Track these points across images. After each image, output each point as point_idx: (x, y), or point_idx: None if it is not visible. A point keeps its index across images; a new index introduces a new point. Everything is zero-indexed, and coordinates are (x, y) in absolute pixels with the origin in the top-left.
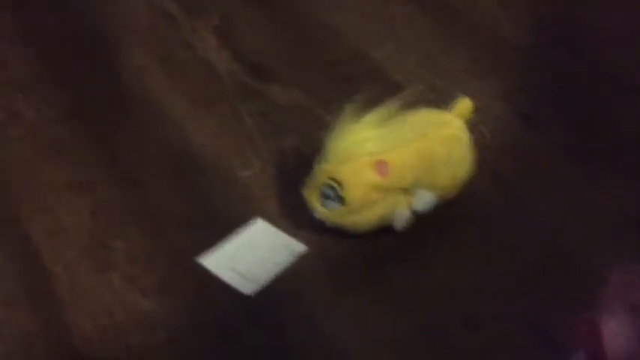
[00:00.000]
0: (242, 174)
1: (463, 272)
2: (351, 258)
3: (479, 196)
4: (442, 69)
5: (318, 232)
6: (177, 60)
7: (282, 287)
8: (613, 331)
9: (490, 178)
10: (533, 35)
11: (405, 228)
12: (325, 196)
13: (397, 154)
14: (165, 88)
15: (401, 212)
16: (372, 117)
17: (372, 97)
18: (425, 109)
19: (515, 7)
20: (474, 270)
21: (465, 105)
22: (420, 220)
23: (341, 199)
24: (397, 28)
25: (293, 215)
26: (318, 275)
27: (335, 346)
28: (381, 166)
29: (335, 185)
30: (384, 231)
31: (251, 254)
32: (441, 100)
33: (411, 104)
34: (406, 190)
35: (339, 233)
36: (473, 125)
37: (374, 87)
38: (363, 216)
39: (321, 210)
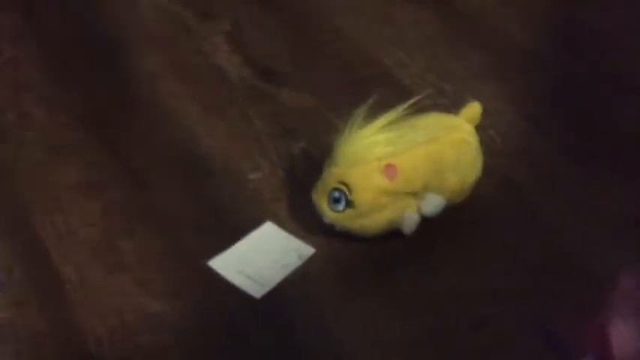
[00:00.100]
0: (251, 177)
1: (471, 276)
2: (360, 261)
3: (488, 200)
4: (452, 73)
5: (327, 235)
6: (188, 65)
7: (291, 290)
8: (622, 334)
9: (499, 182)
10: (544, 38)
11: (414, 232)
12: (334, 200)
13: (406, 158)
14: (176, 93)
15: (410, 216)
16: (381, 121)
17: (382, 101)
18: (434, 113)
19: (525, 10)
20: (483, 273)
21: (474, 109)
22: (428, 224)
23: (350, 203)
24: (407, 33)
25: (302, 218)
26: (327, 278)
27: (343, 348)
28: (390, 170)
29: (344, 189)
30: (392, 235)
31: (260, 257)
32: (450, 104)
33: (421, 108)
34: (415, 194)
35: (347, 236)
36: (482, 129)
37: (384, 91)
38: (371, 220)
39: (330, 213)
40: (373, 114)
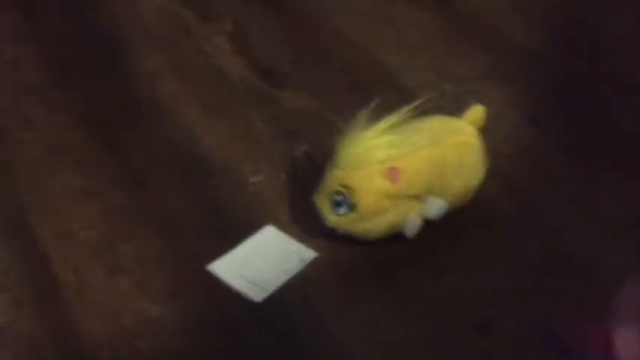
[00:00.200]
0: (253, 179)
1: (474, 278)
2: (362, 265)
3: (490, 202)
4: (452, 73)
5: (329, 238)
6: (189, 65)
7: (292, 294)
8: (626, 339)
9: (502, 184)
10: (544, 38)
11: (417, 235)
12: (336, 203)
13: (409, 161)
14: (177, 93)
15: (412, 219)
16: (384, 124)
17: (384, 104)
18: (437, 116)
19: (528, 11)
20: (485, 275)
21: (477, 112)
22: (431, 226)
23: (352, 206)
24: (410, 35)
25: (304, 221)
26: (329, 282)
27: (344, 349)
28: (392, 173)
29: (346, 192)
30: (394, 238)
31: (261, 261)
32: (453, 107)
33: (424, 111)
34: (418, 197)
35: (349, 240)
36: (485, 132)
37: (385, 93)
38: (374, 223)
39: (332, 217)
40: (376, 116)
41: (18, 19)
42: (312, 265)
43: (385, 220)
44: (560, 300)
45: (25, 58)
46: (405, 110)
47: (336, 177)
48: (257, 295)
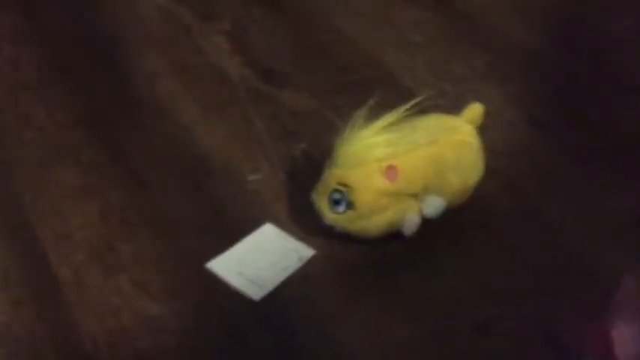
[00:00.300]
0: (252, 178)
1: (473, 277)
2: (360, 263)
3: (489, 201)
4: (452, 73)
5: (327, 237)
6: (188, 65)
7: (291, 292)
8: (624, 337)
9: (500, 183)
10: (544, 38)
11: (415, 234)
12: (334, 201)
13: (407, 160)
14: (177, 93)
15: (411, 218)
16: (382, 122)
17: (383, 103)
18: (435, 114)
19: (528, 11)
20: (484, 275)
21: (475, 110)
22: (429, 225)
23: (350, 205)
24: (408, 34)
25: (302, 220)
26: (327, 280)
27: (343, 349)
28: (390, 171)
29: (344, 190)
30: (393, 236)
31: (259, 259)
32: (451, 105)
33: (422, 109)
34: (416, 196)
35: (347, 238)
36: (483, 130)
37: (385, 92)
38: (372, 221)
39: (331, 215)
40: (374, 115)
41: (18, 19)
42: (311, 263)
43: (383, 218)
44: (560, 300)
45: (24, 58)
46: (403, 108)
47: (334, 175)
48: (256, 293)
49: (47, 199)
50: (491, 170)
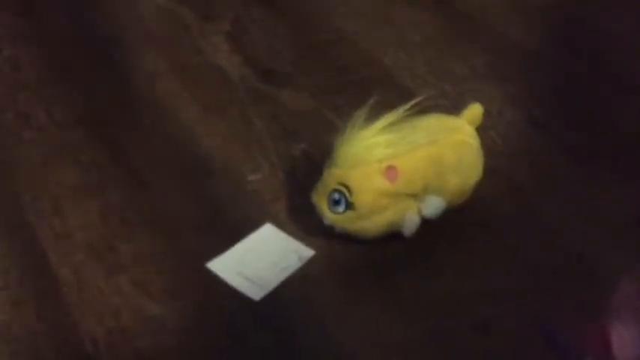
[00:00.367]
0: (251, 178)
1: (473, 277)
2: (360, 263)
3: (489, 201)
4: (452, 73)
5: (327, 237)
6: (188, 65)
7: (290, 292)
8: (623, 339)
9: (500, 183)
10: (544, 38)
11: (415, 234)
12: (334, 202)
13: (407, 160)
14: (176, 93)
15: (411, 218)
16: (382, 122)
17: (383, 102)
18: (435, 114)
19: (527, 12)
20: (484, 275)
21: (475, 111)
22: (429, 226)
23: (350, 205)
24: (408, 33)
25: (302, 220)
26: (327, 280)
27: (343, 349)
28: (390, 171)
29: (344, 190)
30: (393, 237)
31: (259, 259)
32: (451, 105)
33: (422, 110)
34: (416, 196)
35: (347, 238)
36: (483, 131)
37: (384, 92)
38: (372, 221)
39: (330, 215)
40: (374, 115)
41: (18, 19)
42: (311, 264)
43: (383, 218)
44: (560, 300)
45: (24, 58)
46: (403, 108)
47: (333, 175)
48: (255, 293)
49: (47, 199)
50: (491, 170)
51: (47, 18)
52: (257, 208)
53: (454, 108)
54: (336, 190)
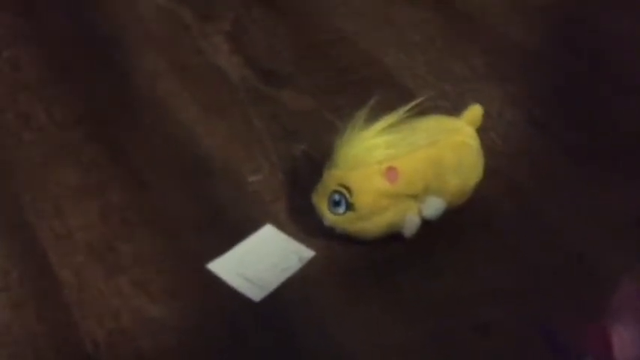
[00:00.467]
0: (252, 178)
1: (473, 278)
2: (360, 264)
3: (489, 202)
4: (452, 73)
5: (327, 238)
6: (188, 65)
7: (291, 293)
8: (623, 339)
9: (501, 184)
10: (544, 38)
11: (415, 235)
12: (334, 203)
13: (407, 161)
14: (176, 93)
15: (411, 219)
16: (382, 123)
17: (383, 103)
18: (435, 115)
19: (527, 12)
20: (484, 275)
21: (475, 112)
22: (429, 227)
23: (350, 206)
24: (408, 34)
25: (302, 221)
26: (327, 281)
27: (344, 350)
28: (391, 172)
29: (344, 191)
30: (393, 238)
31: (259, 260)
32: (451, 106)
33: (422, 111)
34: (416, 197)
35: (347, 239)
36: (483, 131)
37: (385, 93)
38: (372, 222)
39: (331, 216)
40: (374, 116)
41: (18, 19)
42: (311, 265)
43: (383, 219)
44: (560, 300)
45: (24, 58)
46: (403, 109)
47: (334, 176)
48: (256, 294)
49: (47, 199)
50: (491, 171)
51: (47, 18)
52: (257, 209)
53: (454, 109)
54: (336, 191)
